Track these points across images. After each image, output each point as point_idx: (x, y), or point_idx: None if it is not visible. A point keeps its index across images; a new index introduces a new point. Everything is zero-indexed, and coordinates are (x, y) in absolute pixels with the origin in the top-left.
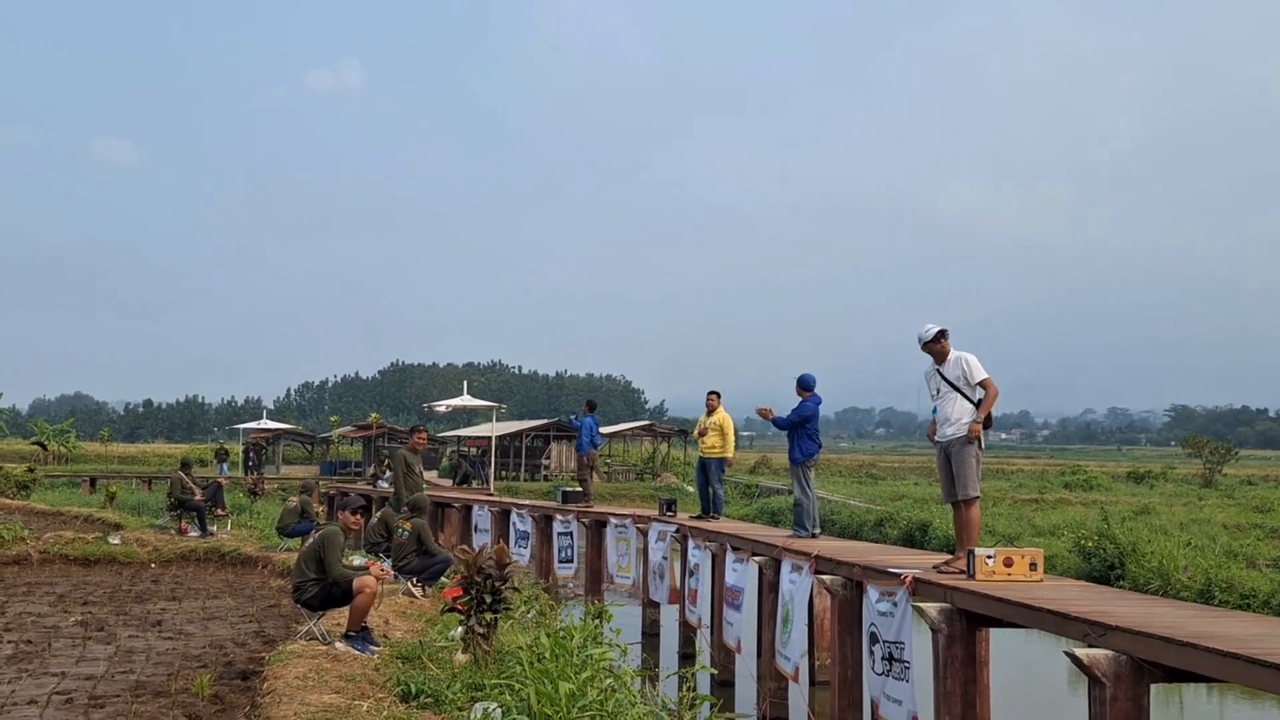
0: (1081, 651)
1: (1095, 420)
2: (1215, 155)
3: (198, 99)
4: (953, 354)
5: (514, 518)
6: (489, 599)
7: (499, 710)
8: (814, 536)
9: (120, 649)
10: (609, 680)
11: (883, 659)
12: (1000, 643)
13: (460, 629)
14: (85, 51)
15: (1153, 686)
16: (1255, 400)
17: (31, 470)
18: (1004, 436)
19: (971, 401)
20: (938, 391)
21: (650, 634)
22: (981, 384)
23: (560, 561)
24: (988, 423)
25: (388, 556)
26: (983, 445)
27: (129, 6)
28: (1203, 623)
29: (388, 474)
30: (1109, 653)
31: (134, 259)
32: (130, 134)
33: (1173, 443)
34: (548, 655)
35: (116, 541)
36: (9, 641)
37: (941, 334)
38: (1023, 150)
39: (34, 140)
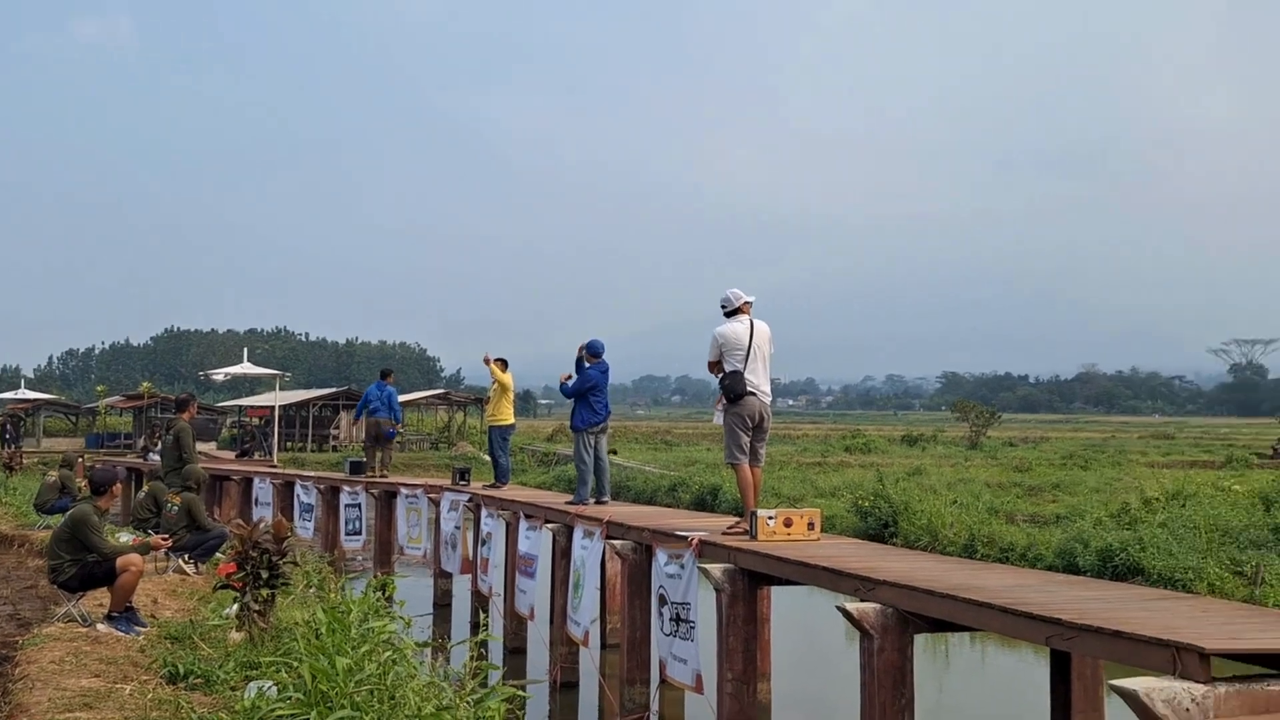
0: (852, 606)
1: (874, 387)
2: (997, 131)
3: None
4: None
5: (298, 490)
6: (265, 574)
7: (274, 688)
8: (601, 503)
9: None
10: (388, 654)
11: (670, 620)
12: (784, 600)
13: (235, 606)
14: None
15: (919, 637)
16: (1017, 367)
17: None
18: (791, 403)
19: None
20: None
21: (442, 605)
22: None
23: (348, 534)
24: (729, 395)
25: (156, 533)
26: (729, 418)
27: None
28: (963, 575)
29: (159, 446)
30: (877, 606)
31: None
32: None
33: (943, 407)
34: (325, 631)
35: None
36: None
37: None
38: (816, 123)
39: None
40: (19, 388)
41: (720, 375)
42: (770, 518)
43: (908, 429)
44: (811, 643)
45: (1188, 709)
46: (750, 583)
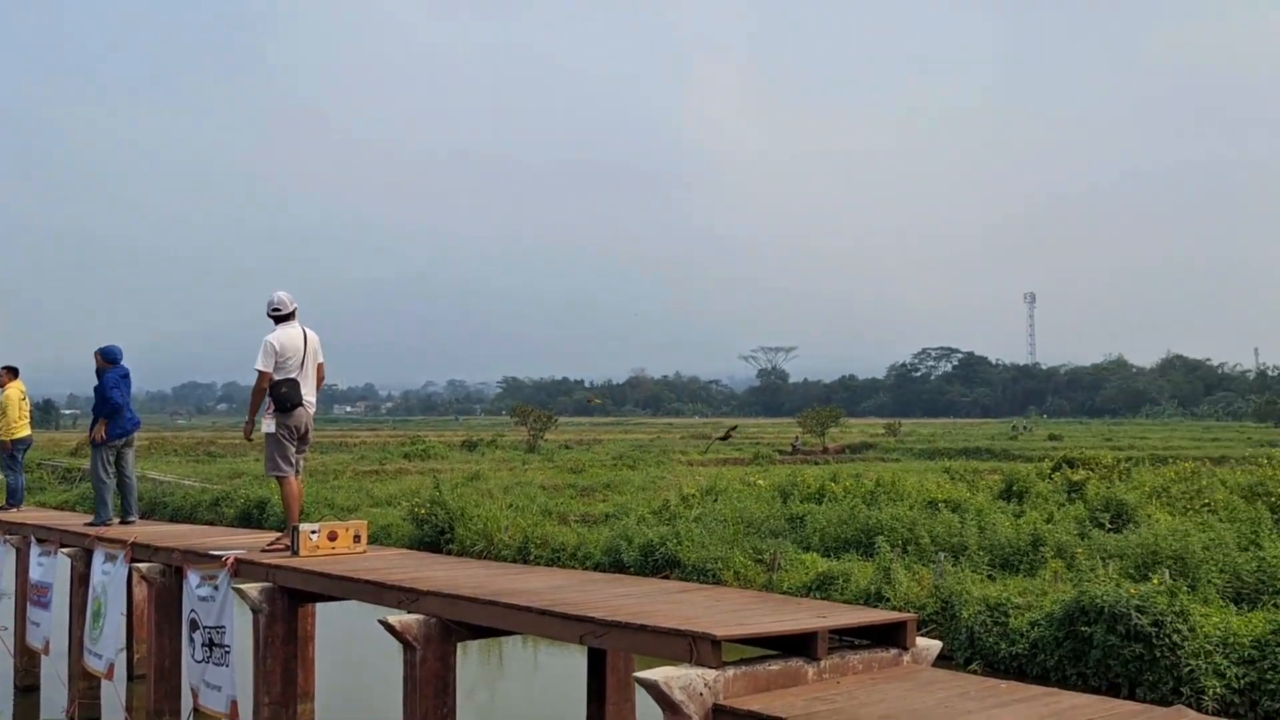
0: (395, 619)
1: (436, 392)
2: (545, 150)
3: None
4: None
5: None
6: None
7: None
8: (128, 523)
9: None
10: None
11: (203, 645)
12: (334, 614)
13: None
14: None
15: (471, 644)
16: (573, 372)
17: None
18: (349, 409)
19: None
20: None
21: None
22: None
23: None
24: (282, 405)
25: None
26: (277, 428)
27: None
28: (508, 580)
29: None
30: (420, 617)
31: None
32: None
33: (504, 412)
34: None
35: None
36: None
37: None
38: (349, 133)
39: None
40: None
41: (274, 383)
42: (313, 532)
43: (468, 434)
44: (362, 656)
45: (701, 693)
46: (290, 601)
